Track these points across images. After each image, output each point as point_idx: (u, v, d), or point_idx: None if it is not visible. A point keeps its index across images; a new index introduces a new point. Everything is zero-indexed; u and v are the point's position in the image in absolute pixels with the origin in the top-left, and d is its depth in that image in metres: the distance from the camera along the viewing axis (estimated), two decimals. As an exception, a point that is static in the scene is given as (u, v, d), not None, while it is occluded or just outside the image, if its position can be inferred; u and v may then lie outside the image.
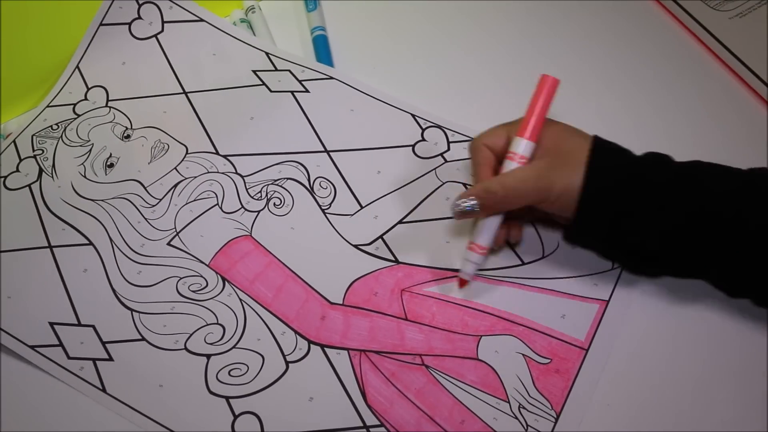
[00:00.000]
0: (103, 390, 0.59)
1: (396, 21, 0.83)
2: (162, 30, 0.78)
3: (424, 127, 0.72)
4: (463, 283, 0.63)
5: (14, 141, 0.73)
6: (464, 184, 0.68)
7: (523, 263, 0.64)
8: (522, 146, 0.59)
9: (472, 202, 0.59)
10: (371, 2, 0.84)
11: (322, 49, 0.79)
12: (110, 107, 0.74)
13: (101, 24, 0.77)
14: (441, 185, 0.68)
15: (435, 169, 0.69)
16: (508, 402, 0.58)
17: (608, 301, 0.62)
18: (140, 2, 0.78)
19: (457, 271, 0.64)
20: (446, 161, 0.70)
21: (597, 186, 0.57)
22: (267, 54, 0.77)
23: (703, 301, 0.62)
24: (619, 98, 0.75)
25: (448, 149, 0.70)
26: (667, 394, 0.58)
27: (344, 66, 0.78)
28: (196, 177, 0.70)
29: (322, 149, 0.71)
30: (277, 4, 0.84)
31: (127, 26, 0.78)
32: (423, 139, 0.71)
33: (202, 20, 0.79)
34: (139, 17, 0.78)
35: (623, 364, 0.60)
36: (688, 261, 0.59)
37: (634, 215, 0.58)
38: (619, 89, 0.75)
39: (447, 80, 0.77)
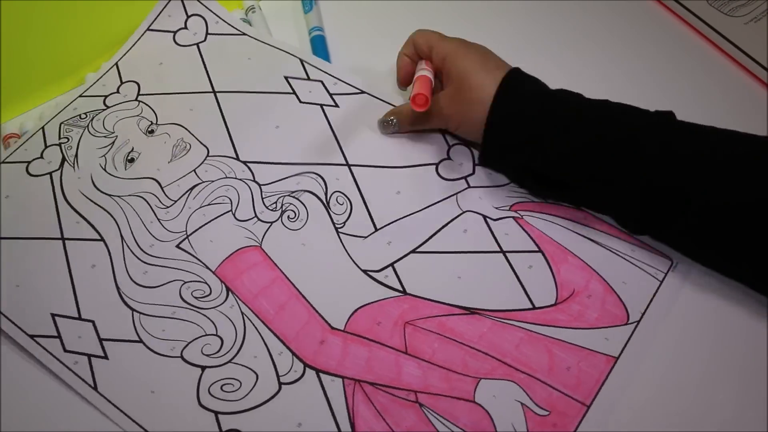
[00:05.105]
0: (95, 388, 0.59)
1: (394, 21, 0.82)
2: (204, 40, 0.79)
3: (451, 144, 0.70)
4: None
5: (43, 127, 0.73)
6: (484, 217, 0.66)
7: (534, 308, 0.62)
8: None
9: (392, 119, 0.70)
10: (368, 2, 0.84)
11: (320, 49, 0.78)
12: (139, 101, 0.74)
13: (148, 29, 0.78)
14: (460, 214, 0.66)
15: (456, 194, 0.67)
16: (499, 453, 0.56)
17: (617, 358, 0.60)
18: (189, 14, 0.79)
19: (466, 308, 0.62)
20: (469, 186, 0.68)
21: (498, 120, 0.63)
22: (302, 61, 0.76)
23: (717, 367, 0.60)
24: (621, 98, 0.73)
25: (473, 172, 0.69)
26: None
27: (342, 66, 0.78)
28: (213, 181, 0.69)
29: (344, 162, 0.70)
30: (277, 3, 0.84)
31: (172, 34, 0.79)
32: (448, 158, 0.69)
33: (244, 34, 0.79)
34: (185, 27, 0.79)
35: (625, 427, 0.57)
36: (591, 187, 0.62)
37: (536, 144, 0.62)
38: (622, 88, 0.72)
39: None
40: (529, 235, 0.65)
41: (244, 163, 0.70)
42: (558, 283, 0.63)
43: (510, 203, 0.67)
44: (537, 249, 0.64)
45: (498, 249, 0.65)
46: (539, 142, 0.62)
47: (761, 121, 0.73)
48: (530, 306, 0.62)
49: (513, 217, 0.66)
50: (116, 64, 0.77)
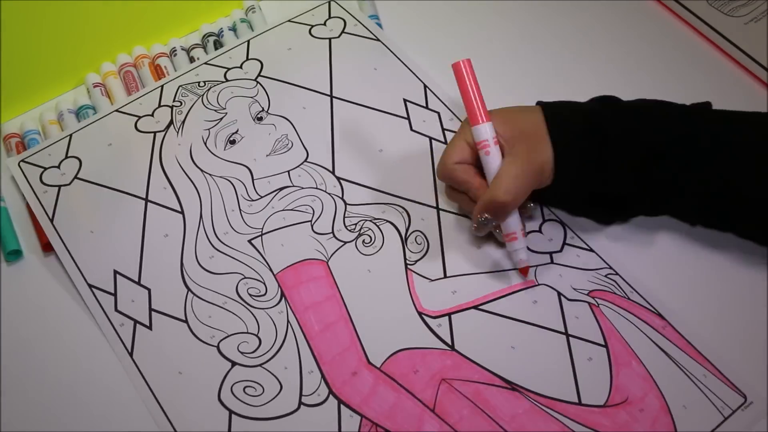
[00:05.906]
0: (130, 354, 0.61)
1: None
2: (338, 37, 0.78)
3: (546, 218, 0.66)
4: (525, 271, 0.63)
5: (162, 85, 0.75)
6: (559, 294, 0.62)
7: (579, 403, 0.57)
8: (486, 131, 0.60)
9: (487, 216, 0.61)
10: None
11: None
12: (258, 82, 0.75)
13: (289, 20, 0.79)
14: (535, 286, 0.63)
15: (537, 266, 0.64)
16: None
17: None
18: (330, 16, 0.79)
19: (507, 382, 0.59)
20: (552, 262, 0.64)
21: (565, 153, 0.60)
22: (425, 86, 0.74)
23: None
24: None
25: (561, 250, 0.64)
26: None
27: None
28: (303, 188, 0.68)
29: (434, 205, 0.67)
30: (277, 3, 0.83)
31: (309, 27, 0.79)
32: (539, 231, 0.66)
33: (378, 40, 0.78)
34: (324, 24, 0.79)
35: None
36: (655, 193, 0.62)
37: (604, 162, 0.60)
38: (622, 88, 0.67)
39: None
40: (600, 325, 0.61)
41: (338, 178, 0.69)
42: (613, 386, 0.58)
43: (590, 288, 0.62)
44: (603, 343, 0.60)
45: (563, 330, 0.61)
46: (606, 163, 0.61)
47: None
48: (576, 400, 0.58)
49: (589, 303, 0.62)
50: (248, 41, 0.78)
